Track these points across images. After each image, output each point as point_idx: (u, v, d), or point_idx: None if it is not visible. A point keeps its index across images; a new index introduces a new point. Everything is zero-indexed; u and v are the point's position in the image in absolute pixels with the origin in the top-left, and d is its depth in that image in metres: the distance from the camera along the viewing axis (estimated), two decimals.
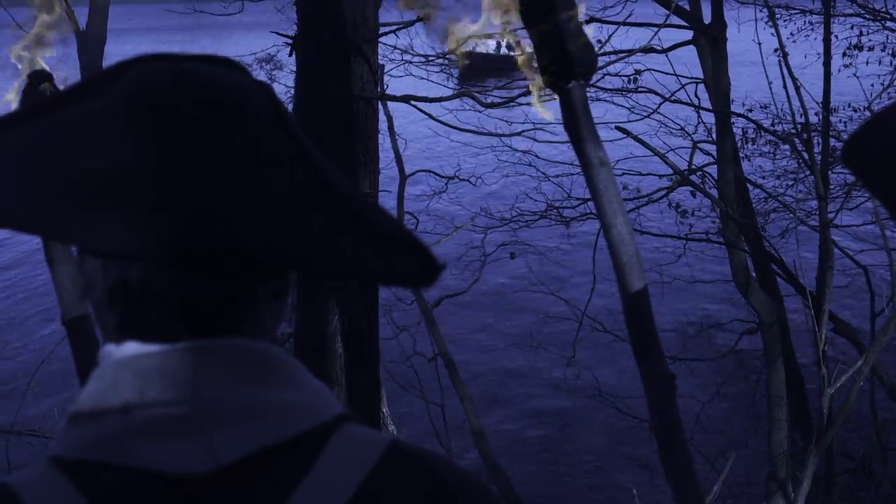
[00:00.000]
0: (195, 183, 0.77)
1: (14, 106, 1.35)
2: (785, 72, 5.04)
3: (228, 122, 0.80)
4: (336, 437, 0.81)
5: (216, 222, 0.76)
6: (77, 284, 0.85)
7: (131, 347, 0.80)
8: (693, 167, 6.92)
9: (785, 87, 5.09)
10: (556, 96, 1.69)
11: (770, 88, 5.49)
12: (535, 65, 1.70)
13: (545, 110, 1.54)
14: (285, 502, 0.77)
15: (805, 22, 9.66)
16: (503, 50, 26.93)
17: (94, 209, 0.76)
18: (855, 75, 8.43)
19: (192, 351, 0.79)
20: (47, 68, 1.43)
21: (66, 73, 1.52)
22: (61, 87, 1.41)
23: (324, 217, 0.81)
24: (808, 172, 7.60)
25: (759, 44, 5.79)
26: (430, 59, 8.16)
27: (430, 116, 5.72)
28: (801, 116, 5.60)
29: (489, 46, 25.50)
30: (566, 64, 1.59)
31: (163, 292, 0.78)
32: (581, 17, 1.63)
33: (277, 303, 0.86)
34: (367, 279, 0.90)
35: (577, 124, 1.65)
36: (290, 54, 4.29)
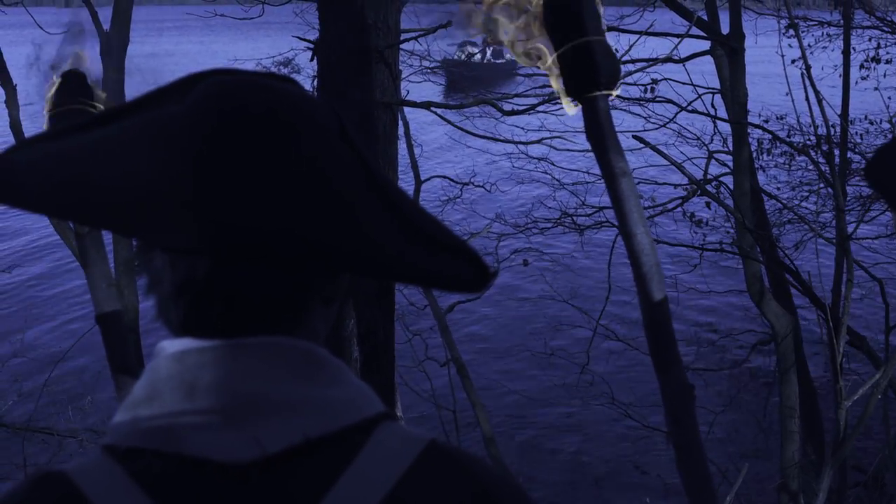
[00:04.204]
0: (262, 184, 0.81)
1: (49, 105, 1.40)
2: (807, 83, 5.01)
3: (296, 129, 0.84)
4: (377, 432, 0.85)
5: (282, 221, 0.80)
6: (141, 279, 0.89)
7: (185, 343, 0.83)
8: (708, 177, 6.90)
9: (807, 98, 5.07)
10: (577, 104, 1.68)
11: (792, 99, 5.47)
12: (557, 72, 1.68)
13: (570, 106, 1.53)
14: (327, 492, 0.80)
15: (823, 34, 9.64)
16: (489, 58, 26.59)
17: (164, 207, 0.80)
18: (876, 88, 8.39)
19: (244, 347, 0.82)
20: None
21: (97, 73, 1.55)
22: (93, 86, 1.45)
23: (382, 221, 0.85)
24: (823, 184, 7.57)
25: (783, 55, 5.79)
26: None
27: (450, 123, 5.74)
28: (822, 128, 5.58)
29: (474, 55, 25.19)
30: (591, 74, 1.58)
31: (226, 289, 0.82)
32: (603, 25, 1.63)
33: (329, 308, 0.90)
34: (420, 282, 0.93)
35: (601, 134, 1.65)
36: (312, 59, 4.31)
